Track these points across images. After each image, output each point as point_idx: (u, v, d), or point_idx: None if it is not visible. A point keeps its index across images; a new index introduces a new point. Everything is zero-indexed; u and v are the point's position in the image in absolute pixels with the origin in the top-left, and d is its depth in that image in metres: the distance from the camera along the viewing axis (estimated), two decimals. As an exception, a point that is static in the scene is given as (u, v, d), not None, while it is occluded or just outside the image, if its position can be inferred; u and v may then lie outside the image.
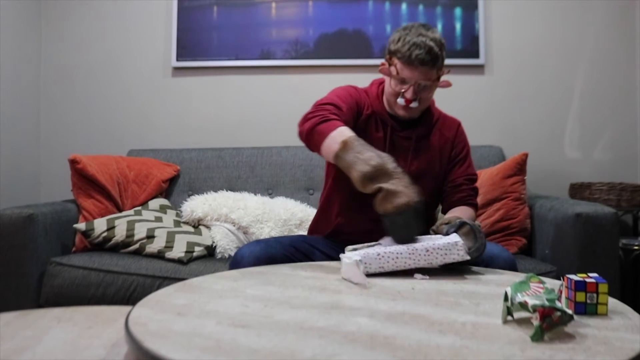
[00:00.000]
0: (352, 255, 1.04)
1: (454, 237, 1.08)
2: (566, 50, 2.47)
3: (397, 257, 1.05)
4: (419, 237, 1.13)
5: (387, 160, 1.10)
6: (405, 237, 1.09)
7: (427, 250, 1.05)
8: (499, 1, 2.49)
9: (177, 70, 2.57)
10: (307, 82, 2.52)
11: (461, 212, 1.35)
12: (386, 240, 1.14)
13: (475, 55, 2.46)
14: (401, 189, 1.07)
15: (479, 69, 2.48)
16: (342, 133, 1.16)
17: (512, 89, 2.49)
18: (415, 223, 1.09)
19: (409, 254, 1.05)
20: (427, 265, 1.06)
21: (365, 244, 1.14)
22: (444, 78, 1.36)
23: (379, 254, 1.06)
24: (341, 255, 1.07)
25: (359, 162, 1.10)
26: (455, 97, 2.47)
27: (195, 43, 2.53)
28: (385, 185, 1.07)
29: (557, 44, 2.47)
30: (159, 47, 2.58)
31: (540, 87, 2.48)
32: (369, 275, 1.04)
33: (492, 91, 2.48)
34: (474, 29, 2.46)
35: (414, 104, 1.32)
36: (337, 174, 1.40)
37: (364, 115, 1.39)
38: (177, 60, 2.53)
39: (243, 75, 2.55)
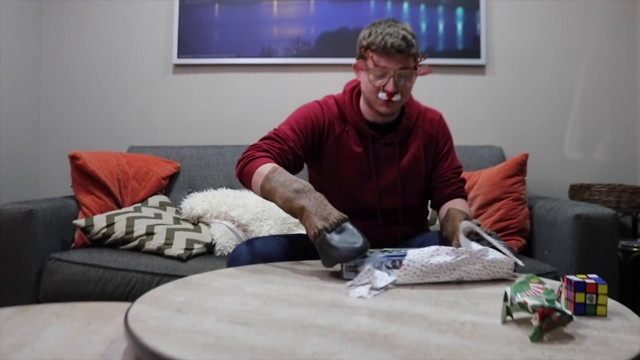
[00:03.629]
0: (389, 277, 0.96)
1: (509, 255, 1.02)
2: (567, 51, 2.47)
3: (454, 269, 0.99)
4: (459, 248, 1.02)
5: (309, 186, 1.14)
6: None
7: (483, 265, 1.00)
8: (500, 2, 2.49)
9: (178, 67, 2.57)
10: (308, 81, 2.52)
11: (458, 205, 1.37)
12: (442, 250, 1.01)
13: (477, 55, 2.45)
14: (319, 212, 1.06)
15: (480, 69, 2.47)
16: (264, 169, 1.19)
17: (513, 89, 2.49)
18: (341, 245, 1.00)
19: (464, 271, 1.00)
20: (476, 278, 1.01)
21: (379, 251, 1.07)
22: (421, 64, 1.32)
23: (439, 265, 0.98)
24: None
25: (280, 186, 1.13)
26: (456, 97, 2.47)
27: (196, 40, 2.53)
28: (306, 203, 1.08)
29: (558, 45, 2.48)
30: (160, 44, 2.58)
31: (541, 88, 2.48)
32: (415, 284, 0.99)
33: (493, 91, 2.48)
34: (475, 29, 2.45)
35: (396, 97, 1.28)
36: (329, 188, 1.39)
37: (332, 135, 1.37)
38: (178, 57, 2.53)
39: (244, 73, 2.55)
